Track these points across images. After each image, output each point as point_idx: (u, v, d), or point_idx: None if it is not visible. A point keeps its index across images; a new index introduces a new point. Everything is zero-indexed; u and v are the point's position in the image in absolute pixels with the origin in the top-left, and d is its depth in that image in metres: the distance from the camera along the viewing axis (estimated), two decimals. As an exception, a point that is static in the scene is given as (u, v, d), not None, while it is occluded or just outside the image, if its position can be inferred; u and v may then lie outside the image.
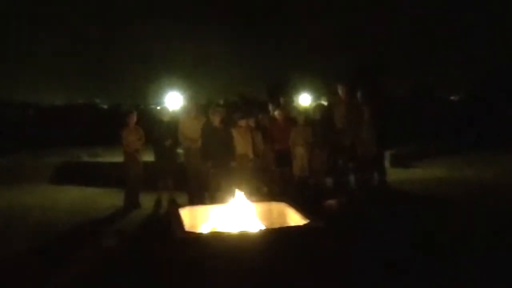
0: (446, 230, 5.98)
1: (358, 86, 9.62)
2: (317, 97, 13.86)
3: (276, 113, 8.28)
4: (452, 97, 33.78)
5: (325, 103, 9.11)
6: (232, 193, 5.37)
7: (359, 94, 8.71)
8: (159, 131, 7.88)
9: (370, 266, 4.73)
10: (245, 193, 5.39)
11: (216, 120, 7.58)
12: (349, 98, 8.50)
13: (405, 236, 5.74)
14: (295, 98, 13.58)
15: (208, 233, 4.89)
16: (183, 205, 5.99)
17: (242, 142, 7.75)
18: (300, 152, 8.02)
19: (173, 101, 12.80)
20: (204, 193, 7.63)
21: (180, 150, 8.34)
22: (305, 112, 8.90)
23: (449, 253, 5.08)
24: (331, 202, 7.24)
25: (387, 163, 10.17)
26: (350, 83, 8.86)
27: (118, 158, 8.19)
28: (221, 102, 9.00)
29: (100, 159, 11.49)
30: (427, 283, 4.33)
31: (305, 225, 4.75)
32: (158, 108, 8.39)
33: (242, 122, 7.86)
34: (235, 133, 7.74)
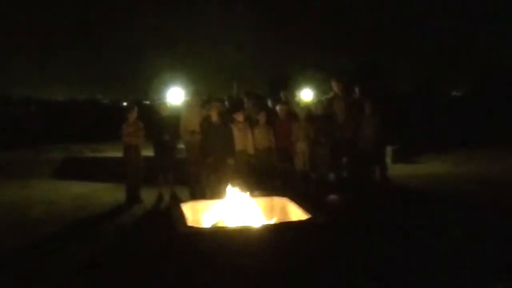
0: (449, 225, 5.98)
1: (356, 81, 9.61)
2: (319, 92, 13.80)
3: (278, 108, 8.26)
4: (454, 93, 33.74)
5: (326, 98, 9.06)
6: (233, 188, 5.37)
7: (357, 90, 8.71)
8: (158, 126, 7.87)
9: (372, 262, 4.73)
10: (246, 188, 5.39)
11: (213, 115, 7.56)
12: (346, 93, 8.48)
13: (408, 231, 5.74)
14: (297, 93, 13.51)
15: (210, 227, 4.90)
16: (185, 200, 5.99)
17: (240, 138, 7.72)
18: (302, 148, 8.01)
19: (175, 96, 12.78)
20: (206, 188, 7.63)
21: (181, 145, 8.33)
22: (307, 107, 8.87)
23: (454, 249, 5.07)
24: (334, 197, 7.24)
25: (388, 159, 10.16)
26: (344, 79, 8.84)
27: (120, 153, 8.19)
28: (224, 97, 9.02)
29: (102, 154, 11.50)
30: (431, 281, 4.32)
31: (307, 220, 4.75)
32: (158, 103, 8.38)
33: (240, 117, 7.82)
34: (234, 128, 7.72)
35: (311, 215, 4.81)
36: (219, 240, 4.41)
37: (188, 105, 8.39)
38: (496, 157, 11.77)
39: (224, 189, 5.46)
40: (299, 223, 4.79)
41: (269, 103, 9.25)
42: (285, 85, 15.45)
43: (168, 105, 8.74)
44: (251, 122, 8.01)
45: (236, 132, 7.68)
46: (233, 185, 5.51)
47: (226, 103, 8.84)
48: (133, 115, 7.85)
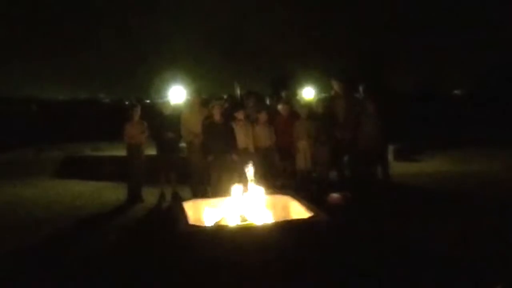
0: (449, 224, 5.97)
1: (359, 80, 9.57)
2: (321, 90, 13.82)
3: (280, 107, 8.24)
4: (455, 92, 33.74)
5: (327, 96, 9.04)
6: (234, 187, 5.36)
7: (361, 89, 8.66)
8: (161, 125, 7.87)
9: (373, 260, 4.72)
10: (247, 187, 5.37)
11: (216, 114, 7.55)
12: (348, 93, 8.45)
13: (409, 230, 5.73)
14: (298, 92, 13.51)
15: (212, 226, 4.88)
16: (186, 199, 5.98)
17: (243, 136, 7.71)
18: (303, 146, 7.99)
19: (177, 95, 12.76)
20: (207, 187, 7.62)
21: (182, 144, 8.33)
22: (308, 106, 8.85)
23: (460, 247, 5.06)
24: (335, 195, 7.22)
25: (390, 157, 10.14)
26: (345, 78, 8.80)
27: (121, 152, 8.19)
28: (224, 96, 9.05)
29: (103, 154, 11.49)
30: (430, 281, 4.31)
31: (309, 218, 4.74)
32: (160, 102, 8.39)
33: (240, 115, 7.80)
34: (236, 126, 7.71)
35: (313, 213, 4.79)
36: (221, 238, 4.40)
37: (189, 104, 8.38)
38: (497, 156, 11.74)
39: (226, 188, 5.45)
40: (301, 221, 4.78)
41: (267, 101, 9.24)
42: (286, 84, 15.49)
43: (171, 103, 8.73)
44: (251, 122, 8.00)
45: (239, 130, 7.67)
46: (234, 183, 5.49)
47: (227, 102, 8.81)
48: (137, 113, 7.87)
